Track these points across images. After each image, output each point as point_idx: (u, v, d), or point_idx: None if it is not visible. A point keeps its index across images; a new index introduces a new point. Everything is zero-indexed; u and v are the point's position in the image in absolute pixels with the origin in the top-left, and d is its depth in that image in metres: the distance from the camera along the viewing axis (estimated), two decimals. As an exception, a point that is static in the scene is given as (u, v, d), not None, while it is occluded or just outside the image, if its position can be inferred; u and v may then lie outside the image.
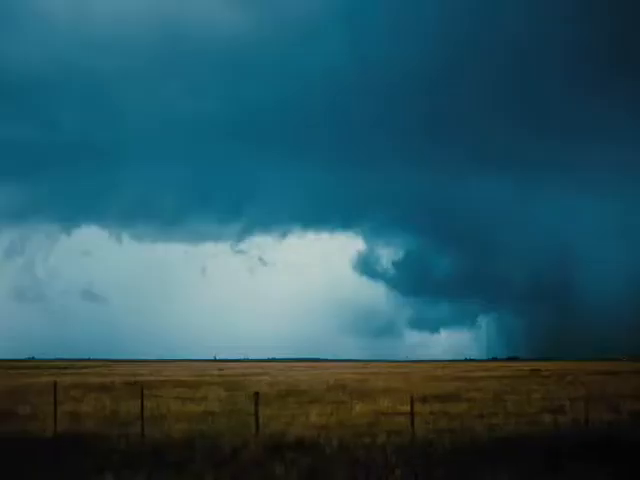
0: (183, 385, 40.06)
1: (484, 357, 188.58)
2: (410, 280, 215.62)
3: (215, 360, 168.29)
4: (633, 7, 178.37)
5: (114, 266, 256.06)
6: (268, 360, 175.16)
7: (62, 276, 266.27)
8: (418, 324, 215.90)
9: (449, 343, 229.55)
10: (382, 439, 16.78)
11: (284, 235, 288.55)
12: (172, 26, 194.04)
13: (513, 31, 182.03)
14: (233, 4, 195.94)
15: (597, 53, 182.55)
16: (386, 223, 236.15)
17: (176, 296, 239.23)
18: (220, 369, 76.30)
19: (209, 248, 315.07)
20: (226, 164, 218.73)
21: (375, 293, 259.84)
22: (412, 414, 17.41)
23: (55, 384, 20.45)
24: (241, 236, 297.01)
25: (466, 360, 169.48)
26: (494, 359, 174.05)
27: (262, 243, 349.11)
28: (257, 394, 18.46)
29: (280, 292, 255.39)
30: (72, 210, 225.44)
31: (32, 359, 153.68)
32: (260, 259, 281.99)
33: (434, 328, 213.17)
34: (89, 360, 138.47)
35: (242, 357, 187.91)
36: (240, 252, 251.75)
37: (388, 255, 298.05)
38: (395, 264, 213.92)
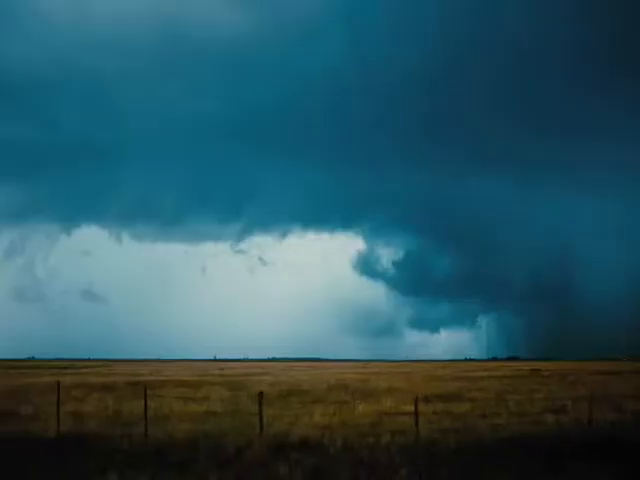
0: (185, 385, 40.01)
1: (484, 357, 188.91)
2: (410, 280, 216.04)
3: (215, 360, 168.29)
4: (633, 7, 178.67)
5: (114, 266, 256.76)
6: (268, 360, 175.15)
7: (62, 276, 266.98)
8: (418, 324, 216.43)
9: (449, 343, 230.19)
10: (386, 439, 16.75)
11: (284, 235, 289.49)
12: (172, 26, 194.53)
13: (513, 31, 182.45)
14: (233, 4, 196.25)
15: (597, 53, 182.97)
16: (386, 223, 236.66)
17: (176, 296, 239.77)
18: (221, 369, 76.25)
19: (209, 248, 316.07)
20: (226, 164, 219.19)
21: (375, 293, 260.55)
22: (416, 414, 17.41)
23: (58, 384, 20.44)
24: (241, 236, 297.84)
25: (466, 360, 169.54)
26: (494, 359, 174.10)
27: (262, 243, 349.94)
28: (261, 394, 18.43)
29: (280, 292, 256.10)
30: (72, 210, 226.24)
31: (32, 359, 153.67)
32: (260, 259, 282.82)
33: (434, 328, 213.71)
34: (89, 360, 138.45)
35: (242, 357, 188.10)
36: (240, 252, 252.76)
37: (388, 255, 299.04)
38: (395, 264, 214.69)
